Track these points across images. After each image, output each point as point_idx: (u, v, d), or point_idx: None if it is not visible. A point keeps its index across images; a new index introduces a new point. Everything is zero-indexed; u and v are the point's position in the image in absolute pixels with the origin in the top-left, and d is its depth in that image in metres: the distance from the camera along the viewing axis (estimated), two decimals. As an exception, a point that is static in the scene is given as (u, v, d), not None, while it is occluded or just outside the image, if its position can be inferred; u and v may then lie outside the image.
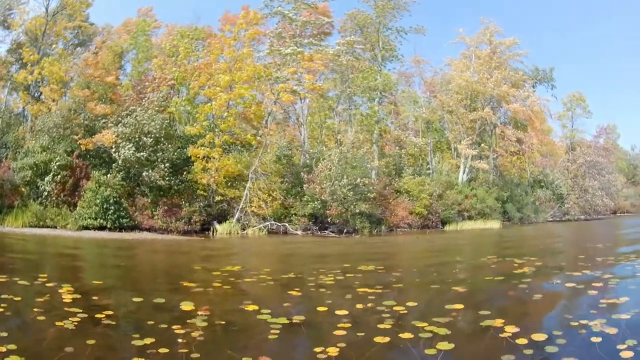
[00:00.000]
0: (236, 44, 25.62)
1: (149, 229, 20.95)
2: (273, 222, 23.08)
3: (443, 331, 4.55)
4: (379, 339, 4.28)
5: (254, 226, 22.65)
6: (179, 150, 23.47)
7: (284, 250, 16.36)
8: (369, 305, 5.62)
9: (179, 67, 26.72)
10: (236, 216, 22.85)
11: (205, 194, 23.21)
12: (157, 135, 22.39)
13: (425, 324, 4.78)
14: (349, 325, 4.72)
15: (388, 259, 13.13)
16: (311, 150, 28.46)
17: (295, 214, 23.51)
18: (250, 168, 23.59)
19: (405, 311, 5.34)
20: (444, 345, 4.19)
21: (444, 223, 28.50)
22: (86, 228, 19.67)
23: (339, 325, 4.64)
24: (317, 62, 26.19)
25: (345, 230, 23.32)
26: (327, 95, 30.64)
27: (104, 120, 23.14)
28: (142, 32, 31.17)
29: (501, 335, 4.45)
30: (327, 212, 23.02)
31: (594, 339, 4.44)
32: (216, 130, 23.92)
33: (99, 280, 7.75)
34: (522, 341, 4.34)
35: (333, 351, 3.98)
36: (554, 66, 41.13)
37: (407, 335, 4.44)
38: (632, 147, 64.58)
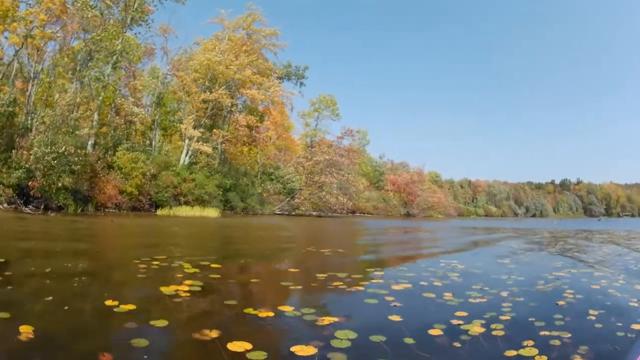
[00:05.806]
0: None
1: None
2: (-23, 192, 20.61)
3: None
4: None
5: (-41, 197, 20.06)
6: None
7: None
8: None
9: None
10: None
11: None
12: None
13: None
14: None
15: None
16: (32, 112, 25.36)
17: (2, 184, 21.11)
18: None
19: None
20: None
21: (157, 206, 26.82)
22: None
23: None
24: (57, 3, 24.18)
25: (44, 206, 21.12)
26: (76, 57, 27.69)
27: None
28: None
29: None
30: (30, 183, 20.95)
31: None
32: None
33: None
34: None
35: None
36: (309, 65, 43.88)
37: None
38: (381, 155, 74.97)
